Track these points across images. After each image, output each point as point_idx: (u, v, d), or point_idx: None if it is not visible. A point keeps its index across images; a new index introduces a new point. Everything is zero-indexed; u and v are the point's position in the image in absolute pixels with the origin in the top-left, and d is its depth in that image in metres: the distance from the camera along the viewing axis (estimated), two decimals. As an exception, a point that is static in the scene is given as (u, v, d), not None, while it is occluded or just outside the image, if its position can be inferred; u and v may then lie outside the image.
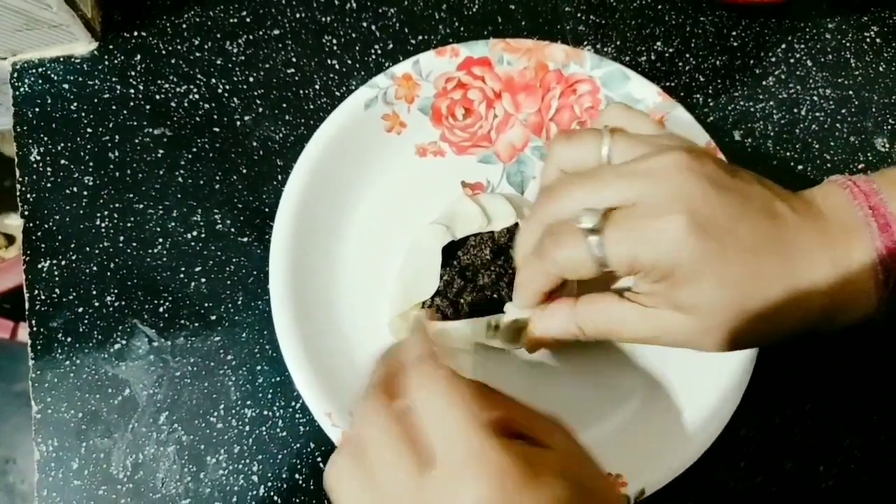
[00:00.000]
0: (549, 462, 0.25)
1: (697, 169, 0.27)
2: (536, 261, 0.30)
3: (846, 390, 0.40)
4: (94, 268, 0.40)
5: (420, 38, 0.45)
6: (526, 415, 0.27)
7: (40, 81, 0.43)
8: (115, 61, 0.43)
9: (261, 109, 0.43)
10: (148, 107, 0.43)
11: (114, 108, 0.42)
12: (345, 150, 0.39)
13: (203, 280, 0.40)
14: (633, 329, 0.29)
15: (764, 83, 0.45)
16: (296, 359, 0.35)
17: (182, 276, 0.40)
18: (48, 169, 0.41)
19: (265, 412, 0.38)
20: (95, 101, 0.42)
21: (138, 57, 0.43)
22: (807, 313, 0.28)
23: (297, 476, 0.38)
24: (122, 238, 0.40)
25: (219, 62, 0.44)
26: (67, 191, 0.41)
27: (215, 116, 0.43)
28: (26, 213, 0.41)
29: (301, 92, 0.43)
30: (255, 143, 0.42)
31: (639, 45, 0.45)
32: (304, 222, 0.37)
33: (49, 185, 0.41)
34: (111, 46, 0.43)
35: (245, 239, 0.41)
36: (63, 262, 0.40)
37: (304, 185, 0.38)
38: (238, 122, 0.43)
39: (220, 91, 0.43)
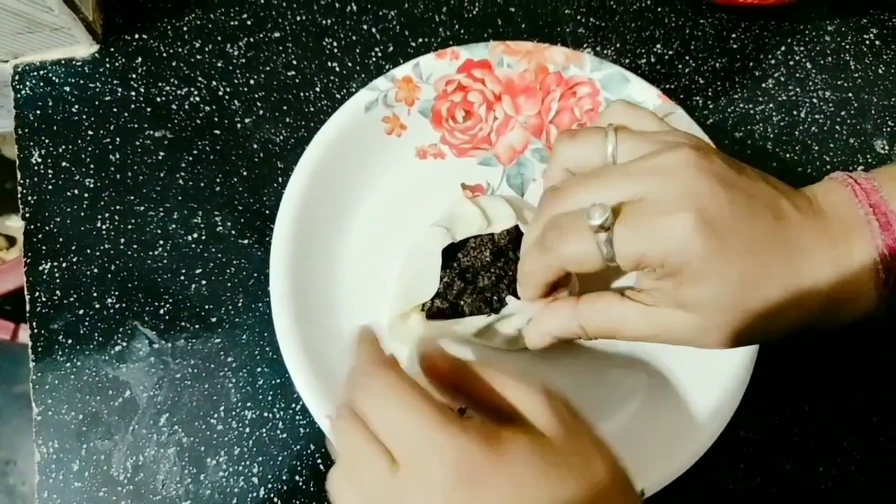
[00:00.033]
0: (512, 436, 0.25)
1: (705, 166, 0.27)
2: (541, 254, 0.30)
3: (846, 391, 0.40)
4: (95, 270, 0.40)
5: (420, 40, 0.45)
6: (490, 385, 0.27)
7: (42, 84, 0.43)
8: (117, 64, 0.43)
9: (261, 112, 0.43)
10: (149, 109, 0.43)
11: (115, 110, 0.43)
12: (345, 152, 0.39)
13: (203, 282, 0.40)
14: (633, 328, 0.29)
15: (763, 85, 0.45)
16: (296, 361, 0.35)
17: (183, 278, 0.40)
18: (49, 171, 0.41)
19: (265, 414, 0.38)
20: (96, 103, 0.43)
21: (139, 59, 0.43)
22: (808, 312, 0.28)
23: (297, 478, 0.38)
24: (122, 240, 0.41)
25: (219, 65, 0.44)
26: (68, 193, 0.41)
27: (216, 119, 0.43)
28: (27, 215, 0.41)
29: (301, 94, 0.43)
30: (255, 146, 0.42)
31: (638, 47, 0.45)
32: (304, 224, 0.38)
33: (50, 187, 0.41)
34: (112, 49, 0.43)
35: (245, 241, 0.41)
36: (64, 264, 0.40)
37: (305, 188, 0.38)
38: (239, 125, 0.43)
39: (220, 93, 0.43)
